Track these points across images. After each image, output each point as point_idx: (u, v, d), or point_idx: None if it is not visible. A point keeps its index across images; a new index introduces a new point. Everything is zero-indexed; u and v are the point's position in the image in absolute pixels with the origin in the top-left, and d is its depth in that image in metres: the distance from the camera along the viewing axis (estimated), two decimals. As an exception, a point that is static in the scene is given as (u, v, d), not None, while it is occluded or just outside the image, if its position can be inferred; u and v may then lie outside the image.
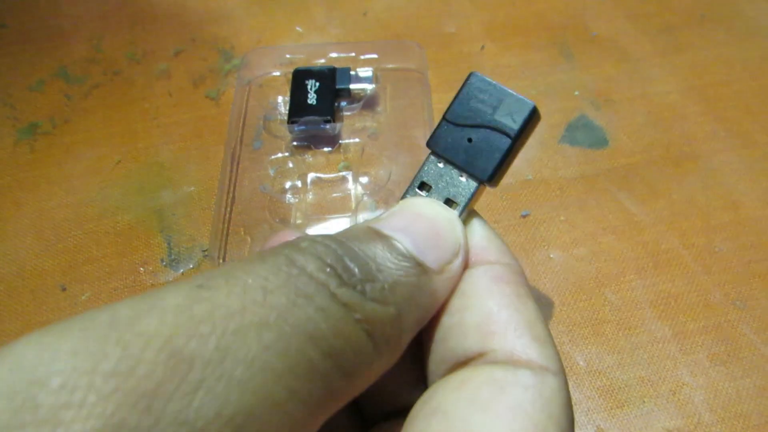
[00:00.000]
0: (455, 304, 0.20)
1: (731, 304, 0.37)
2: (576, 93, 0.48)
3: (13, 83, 0.49)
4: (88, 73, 0.50)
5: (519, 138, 0.22)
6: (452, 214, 0.21)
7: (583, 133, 0.45)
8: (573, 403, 0.33)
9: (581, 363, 0.35)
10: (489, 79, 0.22)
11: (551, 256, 0.39)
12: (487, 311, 0.19)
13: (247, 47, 0.51)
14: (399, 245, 0.19)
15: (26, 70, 0.50)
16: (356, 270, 0.17)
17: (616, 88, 0.48)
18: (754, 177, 0.43)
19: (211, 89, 0.49)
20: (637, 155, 0.44)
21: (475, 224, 0.23)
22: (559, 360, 0.19)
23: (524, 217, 0.41)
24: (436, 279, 0.19)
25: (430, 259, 0.19)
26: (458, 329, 0.20)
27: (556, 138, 0.45)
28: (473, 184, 0.22)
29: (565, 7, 0.55)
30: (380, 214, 0.21)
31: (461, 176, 0.22)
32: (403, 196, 0.23)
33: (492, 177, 0.22)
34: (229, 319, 0.15)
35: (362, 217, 0.40)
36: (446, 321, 0.20)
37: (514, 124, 0.21)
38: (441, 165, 0.23)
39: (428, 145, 0.23)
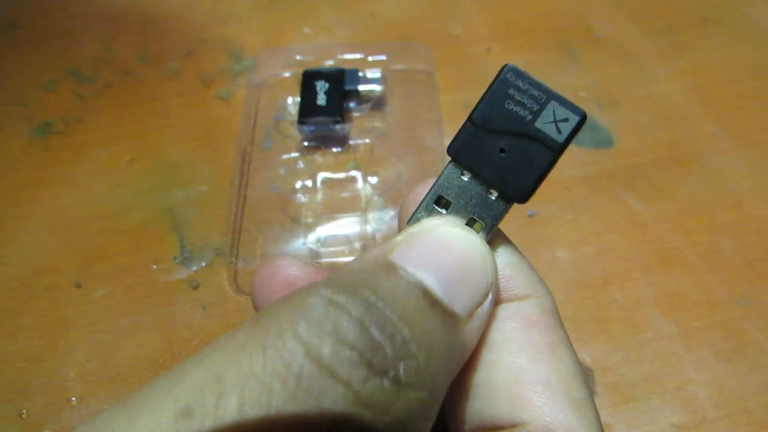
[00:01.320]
0: (481, 357, 0.18)
1: (735, 302, 0.38)
2: (581, 94, 0.49)
3: (26, 83, 0.50)
4: (100, 73, 0.51)
5: (563, 152, 0.18)
6: (482, 244, 0.18)
7: (589, 134, 0.46)
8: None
9: (588, 360, 0.36)
10: (529, 76, 0.18)
11: (558, 255, 0.40)
12: (517, 369, 0.17)
13: (256, 48, 0.52)
14: (428, 289, 0.16)
15: (38, 70, 0.51)
16: (387, 346, 0.14)
17: (621, 89, 0.49)
18: (756, 176, 0.44)
19: (222, 90, 0.49)
20: (641, 155, 0.45)
21: (500, 248, 0.19)
22: (600, 424, 0.17)
23: (531, 216, 0.42)
24: (466, 330, 0.17)
25: (460, 305, 0.16)
26: (485, 390, 0.17)
27: (561, 138, 0.46)
28: (504, 203, 0.18)
29: (569, 9, 0.55)
30: (396, 238, 0.18)
31: (489, 193, 0.19)
32: (417, 211, 0.19)
33: (528, 197, 0.18)
34: None
35: (371, 216, 0.41)
36: (471, 377, 0.18)
37: (559, 136, 0.18)
38: (464, 177, 0.19)
39: (450, 152, 0.19)
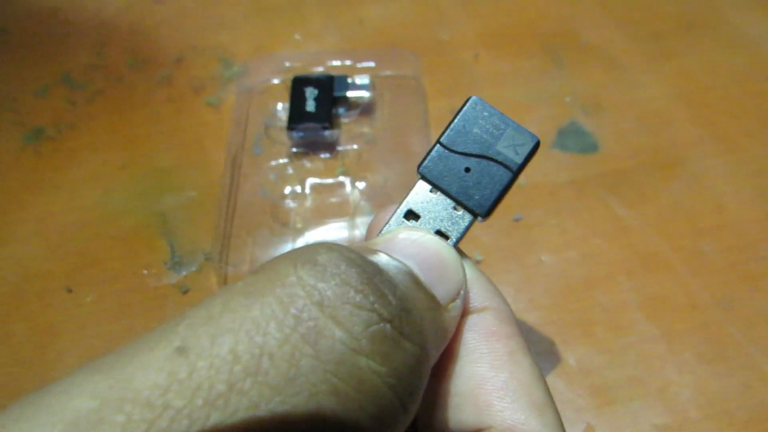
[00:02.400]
0: (445, 368, 0.18)
1: (717, 305, 0.39)
2: (567, 99, 0.49)
3: (18, 89, 0.50)
4: (91, 79, 0.51)
5: (520, 172, 0.20)
6: (453, 249, 0.19)
7: (574, 139, 0.47)
8: (564, 402, 0.35)
9: (572, 363, 0.36)
10: (491, 106, 0.21)
11: (543, 259, 0.41)
12: (480, 377, 0.18)
13: (247, 55, 0.52)
14: (413, 271, 0.17)
15: (30, 76, 0.51)
16: (390, 296, 0.14)
17: (606, 95, 0.50)
18: (738, 180, 0.44)
19: (212, 96, 0.50)
20: (625, 160, 0.46)
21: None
22: (561, 425, 0.18)
23: (517, 221, 0.42)
24: (446, 315, 0.17)
25: (439, 293, 0.17)
26: (451, 399, 0.18)
27: (547, 144, 0.46)
28: (468, 217, 0.20)
29: (556, 16, 0.56)
30: (372, 240, 0.19)
31: (455, 208, 0.21)
32: (388, 224, 0.21)
33: (489, 212, 0.20)
34: (210, 409, 0.12)
35: (360, 221, 0.41)
36: (437, 387, 0.18)
37: (517, 158, 0.20)
38: (432, 193, 0.21)
39: (420, 170, 0.21)
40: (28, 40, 0.54)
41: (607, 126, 0.48)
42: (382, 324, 0.14)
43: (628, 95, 0.50)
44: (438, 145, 0.21)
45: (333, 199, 0.43)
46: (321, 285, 0.14)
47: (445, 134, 0.21)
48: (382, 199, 0.42)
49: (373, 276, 0.14)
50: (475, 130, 0.20)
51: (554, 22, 0.55)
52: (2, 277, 0.40)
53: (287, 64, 0.50)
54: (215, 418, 0.12)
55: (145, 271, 0.40)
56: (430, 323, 0.16)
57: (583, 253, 0.41)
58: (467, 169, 0.20)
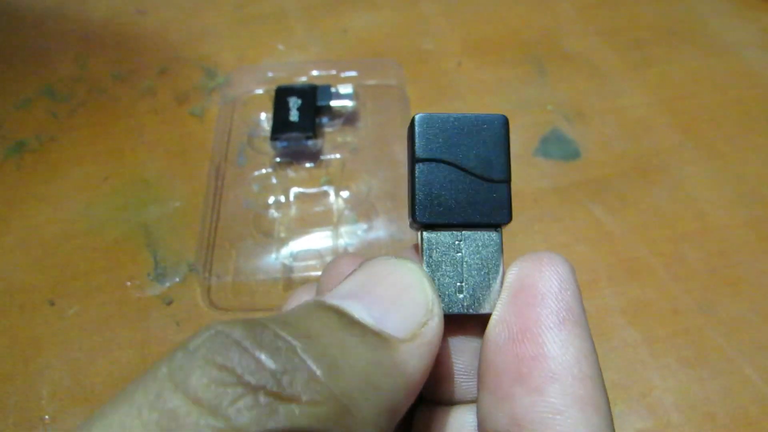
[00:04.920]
0: None
1: (699, 310, 0.39)
2: (549, 107, 0.50)
3: (0, 102, 0.50)
4: (74, 91, 0.51)
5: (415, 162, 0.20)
6: (416, 267, 0.17)
7: (556, 146, 0.47)
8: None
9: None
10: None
11: (526, 265, 0.41)
12: None
13: (230, 65, 0.52)
14: (348, 313, 0.15)
15: (12, 89, 0.51)
16: (267, 361, 0.13)
17: (588, 102, 0.50)
18: (719, 186, 0.45)
19: (196, 107, 0.50)
20: (607, 167, 0.46)
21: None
22: None
23: (500, 228, 0.42)
24: (403, 349, 0.15)
25: (393, 326, 0.15)
26: None
27: (530, 151, 0.47)
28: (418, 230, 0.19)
29: (538, 24, 0.56)
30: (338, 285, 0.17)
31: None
32: None
33: (414, 217, 0.19)
34: None
35: (343, 230, 0.41)
36: None
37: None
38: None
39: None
40: (10, 52, 0.54)
41: (589, 133, 0.48)
42: (252, 395, 0.13)
43: (610, 102, 0.50)
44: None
45: (317, 209, 0.43)
46: (187, 371, 0.13)
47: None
48: (365, 208, 0.42)
49: (249, 345, 0.13)
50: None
51: (536, 31, 0.56)
52: (-16, 291, 0.40)
53: (270, 74, 0.50)
54: None
55: (129, 283, 0.40)
56: (357, 370, 0.14)
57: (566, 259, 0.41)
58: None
